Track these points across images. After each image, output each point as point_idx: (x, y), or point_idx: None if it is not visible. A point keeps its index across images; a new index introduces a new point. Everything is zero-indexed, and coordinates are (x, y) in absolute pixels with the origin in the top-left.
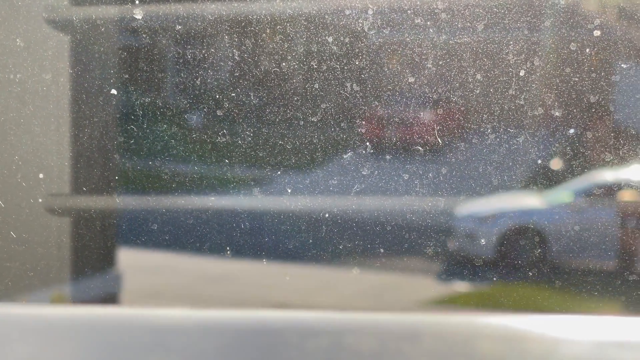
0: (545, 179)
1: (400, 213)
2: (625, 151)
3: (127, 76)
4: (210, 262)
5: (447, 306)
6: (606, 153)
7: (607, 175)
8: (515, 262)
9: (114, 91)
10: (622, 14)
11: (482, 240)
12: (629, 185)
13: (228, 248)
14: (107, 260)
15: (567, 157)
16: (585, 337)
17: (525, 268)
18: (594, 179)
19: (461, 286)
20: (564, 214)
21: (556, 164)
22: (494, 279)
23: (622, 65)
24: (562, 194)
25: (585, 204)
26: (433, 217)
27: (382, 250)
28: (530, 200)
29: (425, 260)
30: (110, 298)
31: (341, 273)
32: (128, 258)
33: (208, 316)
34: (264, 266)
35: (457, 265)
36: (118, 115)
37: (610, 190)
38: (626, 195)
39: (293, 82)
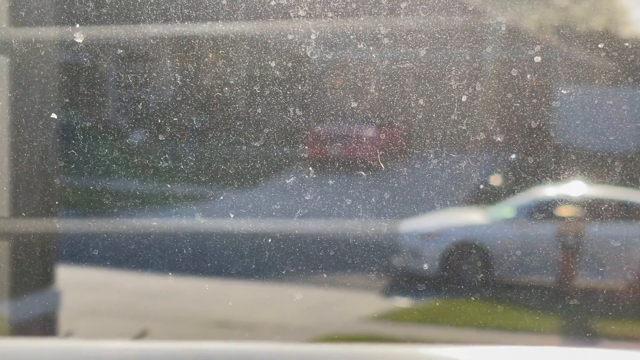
0: (488, 197)
1: (344, 234)
2: (564, 170)
3: (67, 100)
4: (150, 280)
5: (389, 322)
6: (546, 172)
7: (548, 191)
8: (458, 278)
9: (54, 115)
10: (562, 40)
11: (426, 257)
12: (568, 201)
13: (170, 272)
14: (46, 279)
15: (510, 175)
16: None
17: (467, 283)
18: (535, 195)
19: (404, 302)
20: (506, 230)
21: (498, 181)
22: (436, 294)
23: (562, 91)
24: (505, 210)
25: (526, 220)
26: (377, 238)
27: (326, 269)
28: (473, 217)
29: (369, 277)
30: (50, 315)
31: (284, 290)
32: (67, 276)
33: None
34: (204, 283)
35: (401, 282)
36: (58, 139)
37: (551, 206)
38: (566, 211)
39: (236, 107)
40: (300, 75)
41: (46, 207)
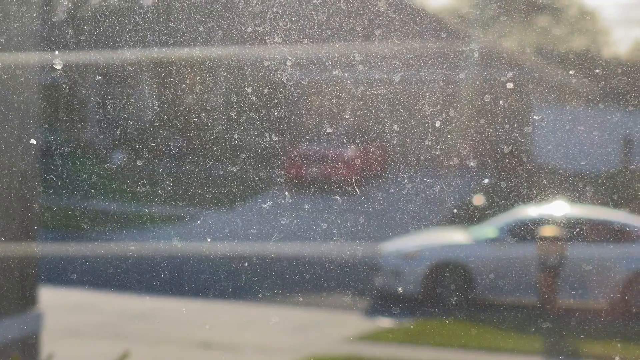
0: (463, 220)
1: (320, 257)
2: (543, 191)
3: (46, 125)
4: (131, 301)
5: (371, 342)
6: (526, 193)
7: (530, 211)
8: (439, 297)
9: (33, 141)
10: (534, 67)
11: (407, 277)
12: (549, 221)
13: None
14: (26, 302)
15: (488, 197)
16: None
17: (448, 303)
18: (516, 215)
19: (385, 322)
20: (488, 249)
21: (478, 202)
22: (418, 314)
23: (534, 117)
24: (486, 230)
25: (508, 239)
26: (353, 260)
27: (307, 291)
28: (454, 236)
29: (350, 297)
30: (32, 336)
31: (266, 311)
32: (49, 298)
33: None
34: (186, 304)
35: (382, 302)
36: (37, 165)
37: (532, 226)
38: (547, 231)
39: (213, 132)
40: (276, 100)
41: (25, 231)
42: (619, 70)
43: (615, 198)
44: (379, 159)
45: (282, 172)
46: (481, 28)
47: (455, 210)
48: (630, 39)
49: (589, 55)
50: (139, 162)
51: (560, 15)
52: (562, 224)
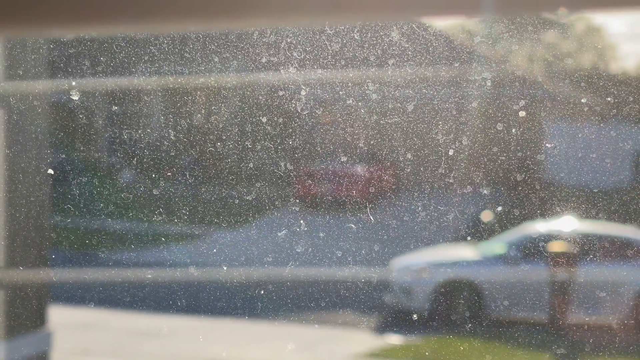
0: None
1: (335, 282)
2: (552, 207)
3: (64, 156)
4: (143, 319)
5: (380, 359)
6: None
7: (539, 227)
8: (449, 315)
9: (50, 171)
10: (546, 95)
11: (416, 294)
12: (559, 237)
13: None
14: (40, 322)
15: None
16: None
17: (458, 320)
18: (526, 231)
19: (394, 339)
20: (498, 266)
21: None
22: (427, 331)
23: (547, 145)
24: (495, 247)
25: (517, 256)
26: (368, 287)
27: (317, 308)
28: (464, 253)
29: (361, 315)
30: (42, 356)
31: (276, 328)
32: (59, 317)
33: None
34: (195, 322)
35: (391, 319)
36: (55, 195)
37: (542, 242)
38: (556, 247)
39: (228, 162)
40: (290, 130)
41: (43, 259)
42: (630, 86)
43: (625, 214)
44: (393, 186)
45: (297, 201)
46: (493, 56)
47: (469, 238)
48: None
49: (599, 73)
50: (155, 192)
51: (568, 34)
52: (571, 240)
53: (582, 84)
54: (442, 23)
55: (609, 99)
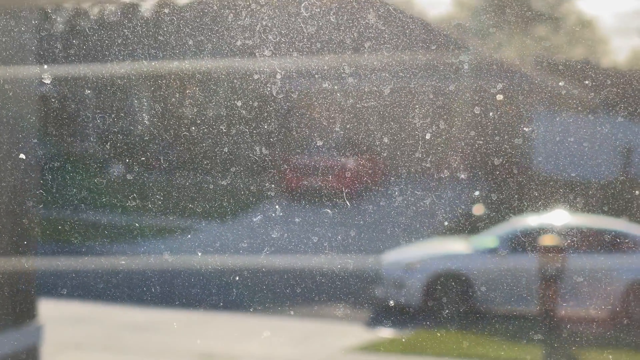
0: (458, 229)
1: (311, 270)
2: (542, 200)
3: (35, 140)
4: (133, 313)
5: (371, 352)
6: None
7: (529, 221)
8: (439, 307)
9: (22, 156)
10: (524, 78)
11: (407, 287)
12: (549, 230)
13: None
14: (19, 316)
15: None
16: None
17: (448, 313)
18: (516, 225)
19: (386, 332)
20: (488, 259)
21: (478, 211)
22: (418, 324)
23: (524, 129)
24: (486, 240)
25: (507, 249)
26: (344, 274)
27: (310, 302)
28: (454, 247)
29: (352, 308)
30: (32, 349)
31: (267, 322)
32: (49, 311)
33: None
34: (186, 316)
35: (383, 312)
36: (27, 179)
37: (532, 235)
38: (546, 241)
39: (203, 146)
40: (266, 114)
41: (15, 246)
42: (616, 79)
43: (614, 207)
44: (370, 171)
45: (273, 186)
46: (472, 39)
47: (446, 223)
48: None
49: (583, 64)
50: (129, 176)
51: (557, 24)
52: (561, 233)
53: (570, 75)
54: (420, 5)
55: (598, 91)
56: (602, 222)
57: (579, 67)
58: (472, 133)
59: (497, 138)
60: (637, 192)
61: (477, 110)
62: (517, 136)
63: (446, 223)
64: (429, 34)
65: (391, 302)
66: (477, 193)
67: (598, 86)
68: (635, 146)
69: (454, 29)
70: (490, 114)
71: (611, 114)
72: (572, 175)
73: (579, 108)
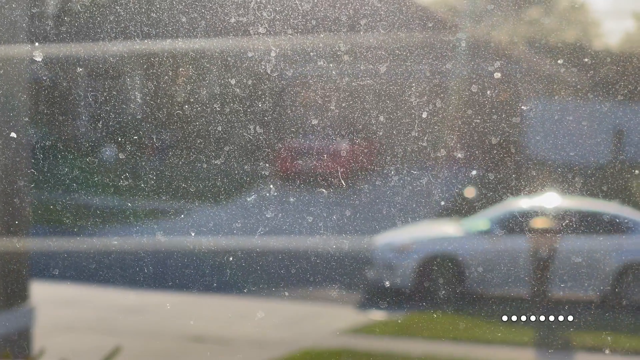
0: (455, 210)
1: (306, 251)
2: (534, 183)
3: (27, 119)
4: (124, 295)
5: (364, 335)
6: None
7: (521, 203)
8: (432, 290)
9: (13, 134)
10: (522, 57)
11: (399, 269)
12: (540, 213)
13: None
14: (10, 297)
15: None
16: None
17: (441, 295)
18: (508, 207)
19: (377, 315)
20: (480, 241)
21: (470, 194)
22: (410, 307)
23: (522, 107)
24: (478, 222)
25: (500, 231)
26: (339, 254)
27: (300, 284)
28: (446, 229)
29: (343, 290)
30: (23, 332)
31: (258, 305)
32: (40, 293)
33: None
34: (178, 298)
35: (374, 295)
36: (18, 159)
37: (524, 218)
38: (538, 223)
39: (196, 125)
40: (260, 92)
41: (6, 226)
42: (609, 61)
43: (606, 189)
44: (366, 151)
45: (267, 165)
46: (469, 17)
47: (442, 203)
48: (620, 30)
49: (579, 46)
50: (121, 156)
51: (550, 5)
52: (553, 216)
53: (563, 57)
54: None
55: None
56: (596, 204)
57: (573, 48)
58: (470, 112)
59: (494, 117)
60: (636, 172)
61: (474, 88)
62: (515, 115)
63: (443, 203)
64: (426, 11)
65: (386, 283)
66: (474, 173)
67: (593, 68)
68: (627, 128)
69: (451, 6)
70: (488, 92)
71: (605, 95)
72: (565, 157)
73: (574, 89)
